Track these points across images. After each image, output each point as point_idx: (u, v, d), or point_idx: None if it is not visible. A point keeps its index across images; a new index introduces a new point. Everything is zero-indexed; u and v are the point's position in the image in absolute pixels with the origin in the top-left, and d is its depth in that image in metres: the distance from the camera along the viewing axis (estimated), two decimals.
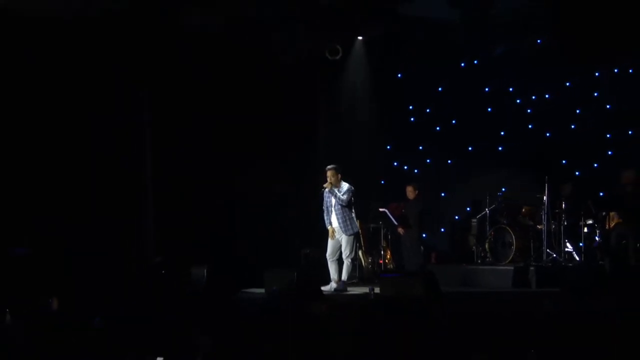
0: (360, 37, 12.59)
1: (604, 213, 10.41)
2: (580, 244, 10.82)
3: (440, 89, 13.43)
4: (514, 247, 11.02)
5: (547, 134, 12.42)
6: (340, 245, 10.16)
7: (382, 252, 12.25)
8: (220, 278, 10.00)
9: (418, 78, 13.19)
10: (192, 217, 11.26)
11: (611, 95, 11.88)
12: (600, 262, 10.31)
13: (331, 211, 10.18)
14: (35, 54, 10.37)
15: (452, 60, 13.02)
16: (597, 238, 10.64)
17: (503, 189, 11.84)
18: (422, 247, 11.71)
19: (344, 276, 10.18)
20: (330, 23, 11.52)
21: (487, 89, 13.03)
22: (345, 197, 10.07)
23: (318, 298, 8.39)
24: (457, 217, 13.27)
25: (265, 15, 11.19)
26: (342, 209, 10.10)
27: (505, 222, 11.41)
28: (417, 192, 11.58)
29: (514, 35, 12.20)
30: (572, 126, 12.20)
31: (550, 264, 10.68)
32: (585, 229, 10.72)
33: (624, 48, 11.28)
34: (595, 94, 12.10)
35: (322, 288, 9.45)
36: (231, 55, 11.51)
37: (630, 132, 11.68)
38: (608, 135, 11.85)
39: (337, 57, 12.17)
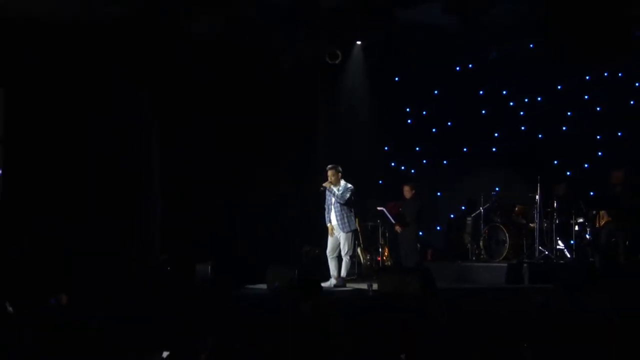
0: (359, 42, 12.60)
1: (594, 212, 10.43)
2: (572, 242, 10.85)
3: (436, 91, 13.48)
4: (507, 245, 11.04)
5: (540, 136, 12.43)
6: (340, 243, 10.18)
7: (380, 250, 12.26)
8: (224, 274, 10.00)
9: (415, 81, 13.25)
10: (194, 217, 11.24)
11: (601, 98, 11.87)
12: (590, 259, 10.32)
13: (331, 209, 10.22)
14: (39, 56, 10.32)
15: (447, 64, 13.07)
16: (587, 236, 10.64)
17: (497, 189, 11.87)
18: (418, 245, 11.72)
19: (343, 273, 10.20)
20: (330, 28, 11.53)
21: (481, 92, 13.06)
22: (341, 194, 10.09)
23: (317, 294, 8.40)
24: (452, 216, 13.28)
25: (268, 20, 11.18)
26: (340, 207, 10.13)
27: (499, 220, 11.44)
28: (413, 191, 11.58)
29: (507, 40, 12.22)
30: (564, 128, 12.20)
31: (542, 261, 10.69)
32: (576, 227, 10.74)
33: (613, 53, 11.28)
34: (586, 97, 12.09)
35: (322, 284, 9.45)
36: (234, 58, 11.50)
37: (619, 134, 11.68)
38: (598, 137, 11.84)
39: (337, 61, 12.17)
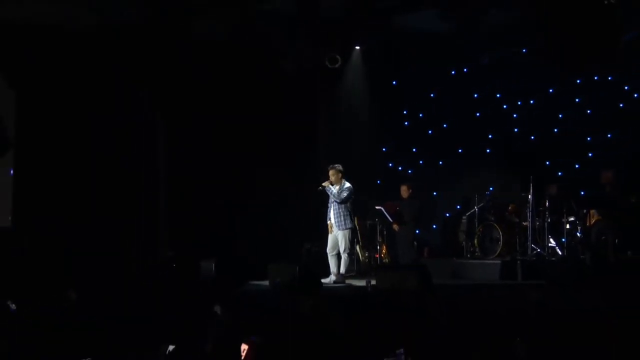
0: (358, 47, 12.61)
1: (584, 211, 10.47)
2: (563, 240, 10.87)
3: (432, 94, 13.49)
4: (501, 243, 11.05)
5: (532, 137, 12.46)
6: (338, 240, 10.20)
7: (378, 247, 12.26)
8: (227, 271, 9.99)
9: (412, 84, 13.24)
10: (196, 216, 11.22)
11: (592, 101, 11.90)
12: (581, 257, 10.33)
13: (330, 208, 10.25)
14: (40, 58, 10.32)
15: (443, 68, 13.09)
16: (578, 234, 10.66)
17: (491, 189, 11.88)
18: (415, 243, 11.73)
19: (342, 269, 10.21)
20: (330, 34, 11.54)
21: (476, 95, 13.09)
22: (339, 193, 10.12)
23: (317, 291, 8.41)
24: (448, 215, 13.29)
25: (270, 25, 11.19)
26: (338, 205, 10.20)
27: (493, 219, 11.45)
28: (410, 191, 11.59)
29: (501, 46, 12.23)
30: (555, 130, 12.24)
31: (534, 258, 10.72)
32: (567, 226, 10.74)
33: (603, 57, 11.28)
34: (577, 100, 12.12)
35: (322, 280, 9.48)
36: (236, 60, 11.51)
37: (609, 136, 11.72)
38: (588, 139, 11.87)
39: (337, 65, 12.17)
